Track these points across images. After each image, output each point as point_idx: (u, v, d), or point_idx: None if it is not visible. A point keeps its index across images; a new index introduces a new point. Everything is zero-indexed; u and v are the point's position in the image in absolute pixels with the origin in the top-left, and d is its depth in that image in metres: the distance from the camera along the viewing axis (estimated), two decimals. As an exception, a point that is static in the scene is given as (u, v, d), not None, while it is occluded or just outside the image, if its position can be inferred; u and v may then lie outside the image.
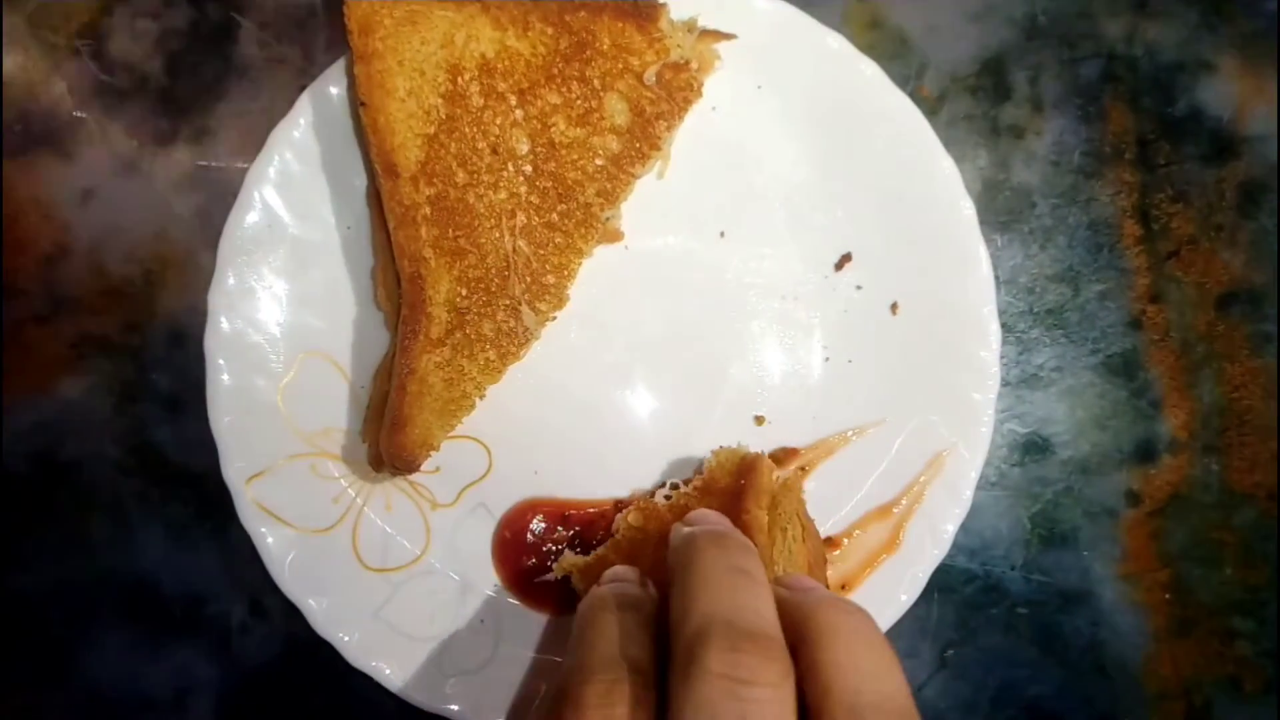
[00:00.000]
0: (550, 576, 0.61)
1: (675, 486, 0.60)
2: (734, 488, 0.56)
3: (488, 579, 0.62)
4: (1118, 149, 0.69)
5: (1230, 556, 0.68)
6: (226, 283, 0.60)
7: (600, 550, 0.58)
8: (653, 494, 0.62)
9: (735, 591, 0.41)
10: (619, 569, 0.51)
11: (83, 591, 0.66)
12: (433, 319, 0.58)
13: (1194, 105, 0.69)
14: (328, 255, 0.62)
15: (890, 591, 0.61)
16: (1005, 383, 0.66)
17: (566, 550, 0.61)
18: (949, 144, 0.62)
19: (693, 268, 0.64)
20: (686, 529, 0.47)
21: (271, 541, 0.60)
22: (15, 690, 0.65)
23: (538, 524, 0.63)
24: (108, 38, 0.67)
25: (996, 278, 0.62)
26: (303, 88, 0.61)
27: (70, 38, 0.67)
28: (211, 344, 0.60)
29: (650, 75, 0.60)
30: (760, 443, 0.64)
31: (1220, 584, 0.67)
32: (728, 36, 0.62)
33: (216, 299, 0.60)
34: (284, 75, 0.67)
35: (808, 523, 0.59)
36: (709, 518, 0.49)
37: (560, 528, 0.63)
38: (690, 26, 0.61)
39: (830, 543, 0.62)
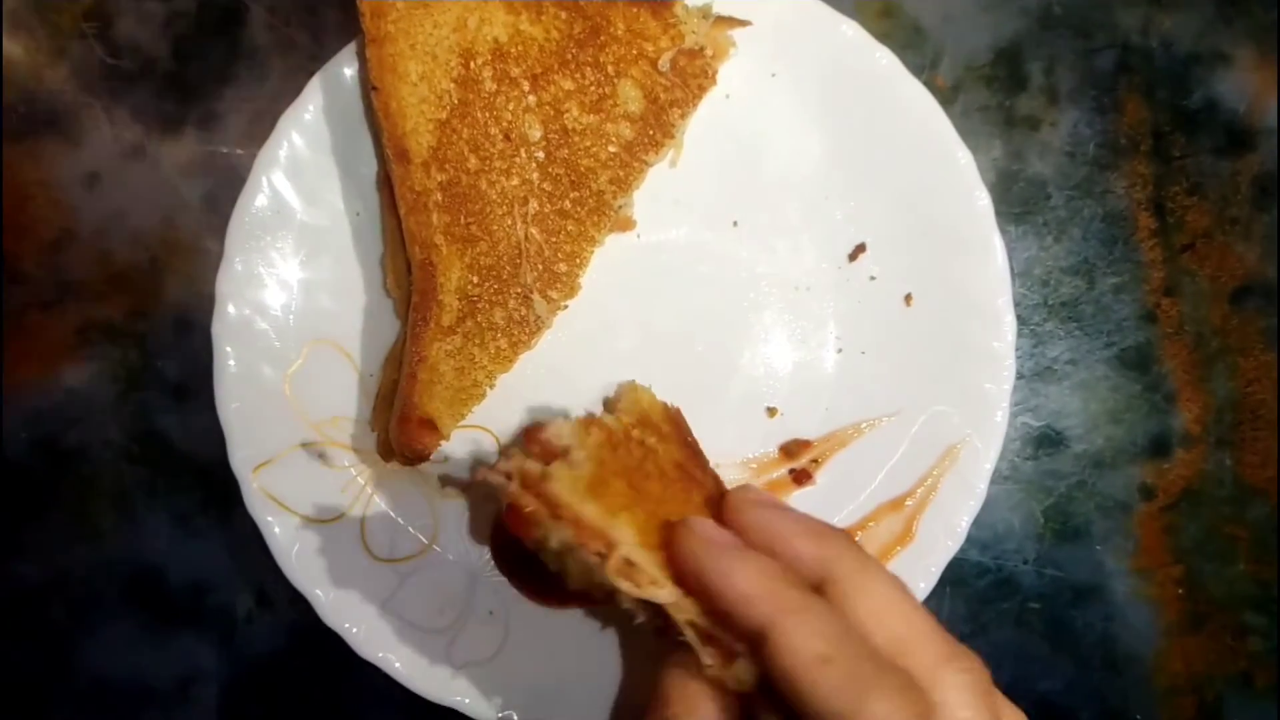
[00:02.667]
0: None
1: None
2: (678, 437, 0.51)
3: (496, 570, 0.62)
4: (1133, 141, 0.68)
5: (1243, 552, 0.67)
6: (234, 269, 0.60)
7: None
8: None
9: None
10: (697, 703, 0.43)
11: (87, 580, 0.65)
12: (444, 307, 0.58)
13: (1209, 97, 0.69)
14: (337, 241, 0.62)
15: (906, 582, 0.60)
16: (1019, 375, 0.65)
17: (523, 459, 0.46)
18: (964, 134, 0.62)
19: (705, 257, 0.64)
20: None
21: (278, 531, 0.59)
22: (18, 679, 0.65)
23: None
24: (114, 20, 0.66)
25: (1011, 269, 0.62)
26: (312, 72, 0.61)
27: (76, 20, 0.66)
28: (219, 330, 0.59)
29: (665, 62, 0.59)
30: (772, 434, 0.63)
31: (1232, 579, 0.67)
32: (742, 23, 0.61)
33: (224, 285, 0.59)
34: (293, 60, 0.66)
35: None
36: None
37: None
38: (705, 13, 0.60)
39: (843, 535, 0.62)
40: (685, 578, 0.41)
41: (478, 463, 0.57)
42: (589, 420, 0.47)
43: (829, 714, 0.36)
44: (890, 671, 0.38)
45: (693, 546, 0.41)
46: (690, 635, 0.41)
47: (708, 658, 0.40)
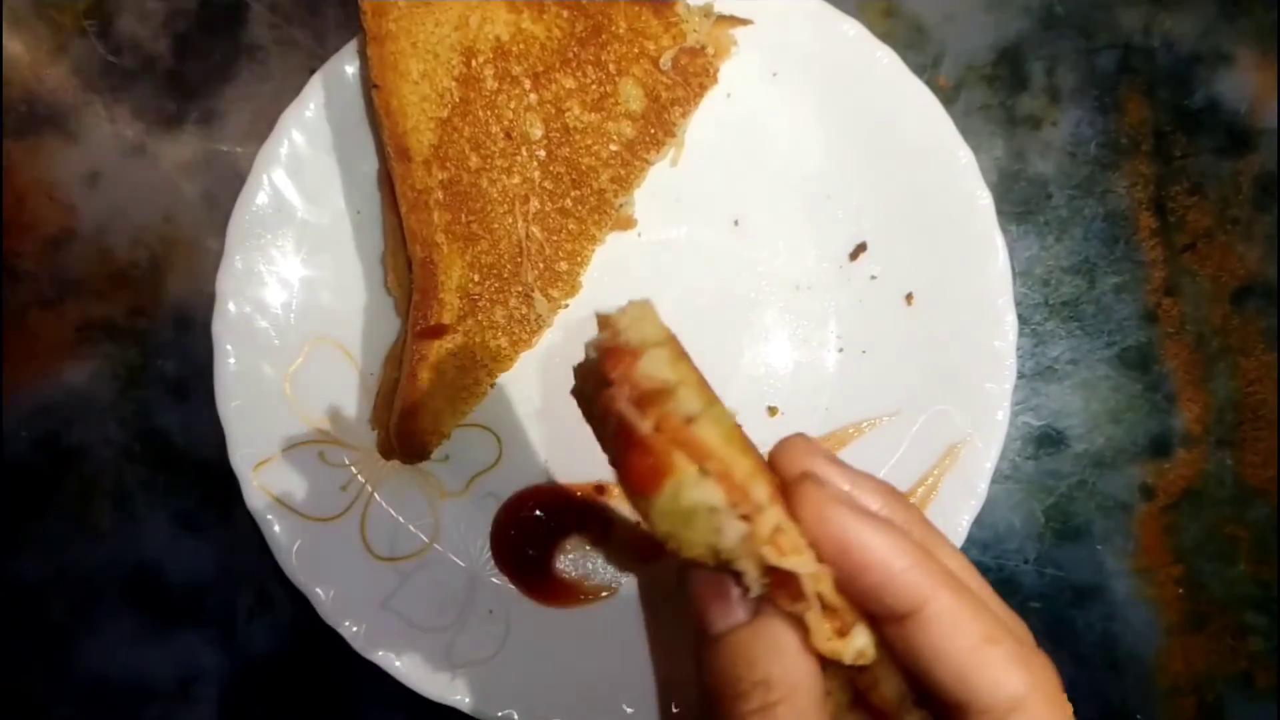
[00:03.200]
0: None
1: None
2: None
3: (497, 569, 0.62)
4: (1134, 140, 0.68)
5: (1243, 552, 0.67)
6: (235, 267, 0.60)
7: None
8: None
9: None
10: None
11: (86, 579, 0.65)
12: (444, 305, 0.58)
13: (1211, 97, 0.69)
14: (337, 239, 0.62)
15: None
16: (1020, 375, 0.65)
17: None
18: (965, 134, 0.62)
19: (706, 256, 0.64)
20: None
21: (279, 529, 0.59)
22: (18, 678, 0.65)
23: (535, 512, 0.62)
24: (115, 18, 0.66)
25: (1012, 269, 0.62)
26: (312, 71, 0.61)
27: (77, 18, 0.66)
28: (219, 329, 0.59)
29: (666, 60, 0.59)
30: (773, 434, 0.63)
31: (1233, 579, 0.67)
32: (744, 22, 0.61)
33: (225, 283, 0.59)
34: (294, 58, 0.66)
35: None
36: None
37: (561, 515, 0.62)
38: (706, 11, 0.60)
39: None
40: (818, 543, 0.36)
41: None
42: (677, 350, 0.38)
43: (996, 693, 0.34)
44: (1034, 649, 0.36)
45: (833, 511, 0.36)
46: (815, 607, 0.36)
47: (828, 631, 0.36)
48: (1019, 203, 0.68)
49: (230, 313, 0.60)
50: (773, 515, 0.35)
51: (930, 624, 0.35)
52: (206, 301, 0.60)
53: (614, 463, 0.36)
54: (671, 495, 0.35)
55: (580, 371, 0.41)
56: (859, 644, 0.36)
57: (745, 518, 0.35)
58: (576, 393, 0.42)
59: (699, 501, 0.35)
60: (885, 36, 0.62)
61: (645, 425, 0.35)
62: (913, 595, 0.35)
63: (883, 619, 0.36)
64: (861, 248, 0.64)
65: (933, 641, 0.35)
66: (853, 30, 0.62)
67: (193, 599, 0.65)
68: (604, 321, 0.40)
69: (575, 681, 0.60)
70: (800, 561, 0.35)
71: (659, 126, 0.60)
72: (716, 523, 0.35)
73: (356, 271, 0.62)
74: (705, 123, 0.63)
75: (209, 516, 0.65)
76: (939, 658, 0.35)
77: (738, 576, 0.36)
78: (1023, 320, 0.66)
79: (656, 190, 0.63)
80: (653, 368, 0.36)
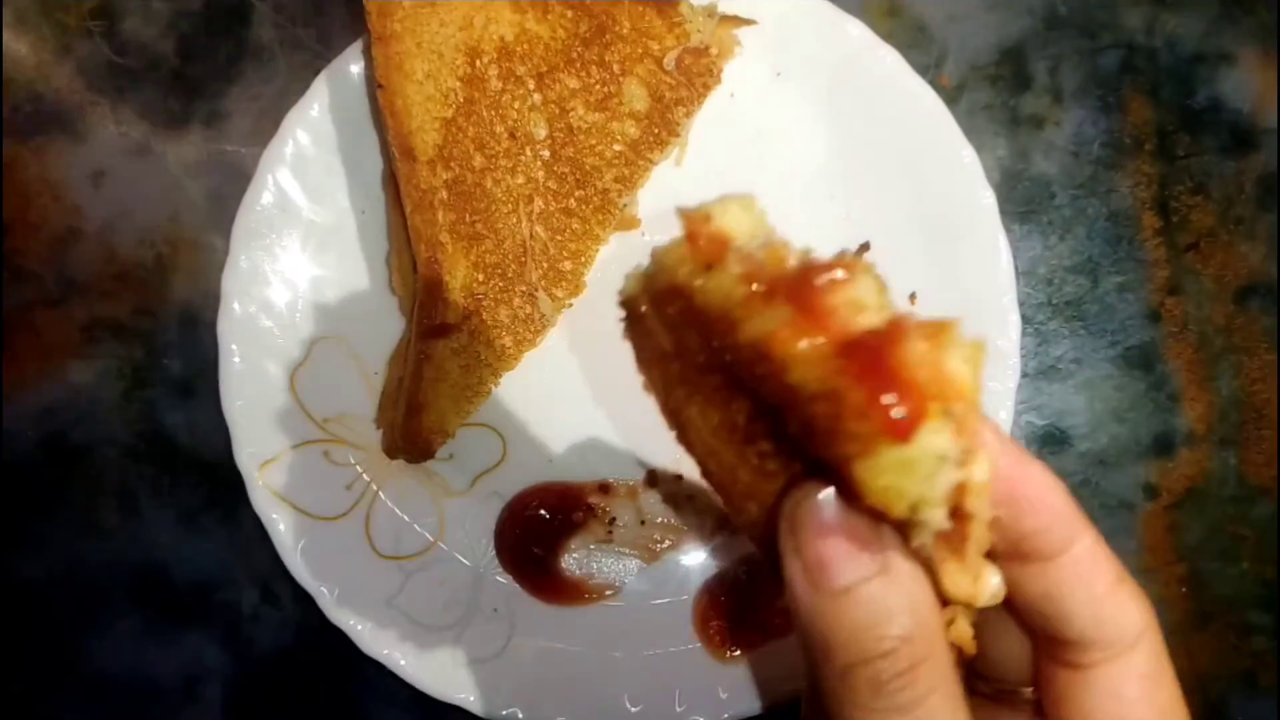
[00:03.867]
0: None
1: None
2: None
3: (501, 567, 0.62)
4: (1137, 140, 0.68)
5: (1247, 551, 0.67)
6: (240, 266, 0.60)
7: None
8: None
9: None
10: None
11: (92, 578, 0.65)
12: (449, 304, 0.58)
13: (1214, 97, 0.69)
14: (342, 239, 0.62)
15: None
16: (1023, 374, 0.65)
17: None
18: (968, 133, 0.62)
19: (709, 256, 0.64)
20: None
21: (283, 528, 0.59)
22: (25, 676, 0.65)
23: (540, 511, 0.62)
24: (120, 19, 0.67)
25: (1015, 268, 0.62)
26: (317, 71, 0.61)
27: (82, 18, 0.66)
28: (224, 328, 0.60)
29: (670, 60, 0.59)
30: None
31: (1236, 578, 0.67)
32: (748, 22, 0.61)
33: (230, 283, 0.60)
34: (299, 58, 0.66)
35: None
36: None
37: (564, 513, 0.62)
38: (710, 11, 0.60)
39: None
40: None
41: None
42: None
43: (1125, 631, 0.34)
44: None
45: (1014, 451, 0.34)
46: (973, 551, 0.32)
47: (967, 575, 0.32)
48: (1022, 202, 0.68)
49: (235, 312, 0.60)
50: (985, 460, 0.30)
51: (1077, 564, 0.34)
52: (212, 301, 0.60)
53: (827, 405, 0.29)
54: (917, 443, 0.28)
55: (657, 288, 0.35)
56: (994, 585, 0.33)
57: (964, 465, 0.30)
58: (630, 303, 0.37)
59: (936, 451, 0.29)
60: (888, 36, 0.63)
61: (912, 358, 0.28)
62: (1066, 536, 0.34)
63: (1017, 558, 0.34)
64: (864, 247, 0.64)
65: (1076, 581, 0.34)
66: (856, 30, 0.62)
67: (198, 597, 0.65)
68: (698, 219, 0.33)
69: (579, 680, 0.60)
70: (984, 505, 0.31)
71: (663, 126, 0.60)
72: (939, 472, 0.29)
73: (361, 271, 0.62)
74: (709, 123, 0.63)
75: (214, 515, 0.65)
76: (1078, 597, 0.34)
77: (902, 526, 0.31)
78: (1026, 319, 0.66)
79: (660, 190, 0.63)
80: (867, 292, 0.30)
